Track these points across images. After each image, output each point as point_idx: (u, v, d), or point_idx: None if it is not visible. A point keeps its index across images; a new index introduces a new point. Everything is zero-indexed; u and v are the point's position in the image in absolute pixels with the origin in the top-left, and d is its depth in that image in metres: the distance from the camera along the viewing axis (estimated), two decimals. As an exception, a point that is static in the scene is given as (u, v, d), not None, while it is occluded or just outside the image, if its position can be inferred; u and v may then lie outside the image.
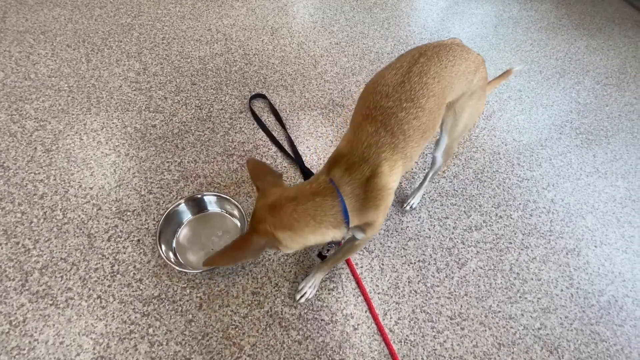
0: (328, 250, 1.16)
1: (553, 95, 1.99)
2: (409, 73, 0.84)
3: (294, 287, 1.14)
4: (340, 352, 1.04)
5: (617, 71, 2.22)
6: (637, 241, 1.43)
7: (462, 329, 1.13)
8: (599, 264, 1.34)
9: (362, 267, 1.21)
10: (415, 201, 1.37)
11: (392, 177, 0.81)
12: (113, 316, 1.02)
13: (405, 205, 1.37)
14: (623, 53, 2.37)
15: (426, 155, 1.57)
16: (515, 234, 1.38)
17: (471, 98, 1.00)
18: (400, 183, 1.46)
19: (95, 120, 1.47)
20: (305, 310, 1.10)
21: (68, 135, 1.41)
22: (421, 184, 1.36)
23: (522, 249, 1.34)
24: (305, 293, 1.10)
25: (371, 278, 1.19)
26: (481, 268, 1.27)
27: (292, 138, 1.52)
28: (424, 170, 1.51)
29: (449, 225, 1.36)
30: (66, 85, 1.58)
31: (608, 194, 1.57)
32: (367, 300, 1.13)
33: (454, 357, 1.07)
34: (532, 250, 1.34)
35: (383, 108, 0.82)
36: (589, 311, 1.22)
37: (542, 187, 1.55)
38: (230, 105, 1.61)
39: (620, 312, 1.23)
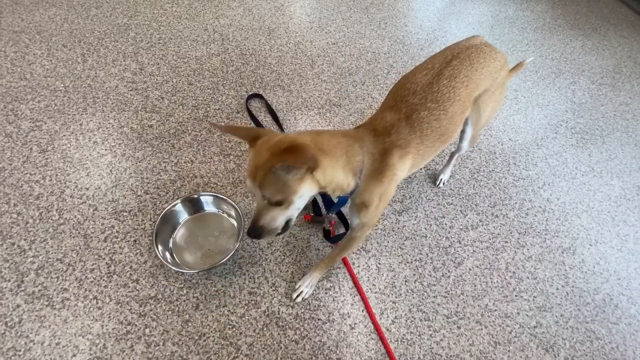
0: (328, 227, 1.18)
1: (549, 94, 2.00)
2: (439, 76, 0.88)
3: (291, 286, 1.14)
4: (337, 352, 1.04)
5: (612, 71, 2.23)
6: (631, 240, 1.44)
7: (459, 327, 1.13)
8: (594, 263, 1.35)
9: (359, 266, 1.21)
10: (445, 177, 1.47)
11: (400, 164, 0.84)
12: (109, 317, 1.02)
13: (438, 183, 1.46)
14: (618, 53, 2.38)
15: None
16: (511, 233, 1.38)
17: (494, 93, 1.05)
18: (427, 164, 1.49)
19: (91, 121, 1.47)
20: (302, 310, 1.10)
21: (64, 135, 1.41)
22: (448, 162, 1.45)
23: (518, 248, 1.34)
24: (302, 292, 1.10)
25: (368, 277, 1.19)
26: (477, 267, 1.27)
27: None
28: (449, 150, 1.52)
29: (446, 224, 1.37)
30: (62, 85, 1.57)
31: (603, 193, 1.58)
32: (364, 300, 1.13)
33: (451, 356, 1.07)
34: (527, 249, 1.35)
35: (409, 103, 0.86)
36: (584, 309, 1.23)
37: (538, 186, 1.56)
38: (227, 105, 1.61)
39: (615, 310, 1.24)
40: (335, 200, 0.90)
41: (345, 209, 1.29)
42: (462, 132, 1.19)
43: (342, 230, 1.27)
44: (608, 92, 2.09)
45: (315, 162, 0.70)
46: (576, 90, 2.06)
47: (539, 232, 1.40)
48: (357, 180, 0.82)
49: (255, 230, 0.78)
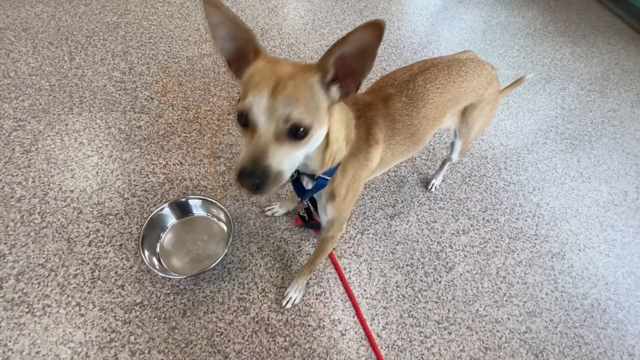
0: (304, 213, 1.07)
1: (539, 100, 2.02)
2: (416, 76, 0.89)
3: (280, 292, 1.12)
4: (328, 359, 1.02)
5: (601, 78, 2.27)
6: (619, 245, 1.45)
7: (450, 333, 1.13)
8: (583, 268, 1.36)
9: (350, 271, 1.20)
10: (437, 182, 1.47)
11: (372, 151, 0.82)
12: (93, 324, 0.99)
13: (430, 187, 1.47)
14: (606, 60, 2.43)
15: (436, 147, 1.57)
16: (501, 237, 1.39)
17: (483, 109, 1.05)
18: (419, 169, 1.47)
19: (77, 121, 1.43)
20: (292, 316, 1.08)
21: (48, 135, 1.37)
22: (440, 167, 1.45)
23: (508, 253, 1.35)
24: (290, 298, 1.09)
25: (359, 282, 1.18)
26: (468, 272, 1.27)
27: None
28: (441, 148, 1.51)
29: (437, 229, 1.37)
30: (47, 84, 1.53)
31: (591, 198, 1.60)
32: (355, 305, 1.12)
33: (441, 362, 1.07)
34: (518, 254, 1.35)
35: (386, 92, 0.87)
36: (573, 314, 1.24)
37: (528, 191, 1.57)
38: (218, 106, 1.59)
39: (603, 315, 1.25)
40: (308, 187, 0.84)
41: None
42: (452, 144, 1.21)
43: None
44: (596, 98, 2.13)
45: (357, 87, 0.60)
46: (566, 97, 2.09)
47: (529, 237, 1.41)
48: (346, 148, 0.77)
49: (258, 174, 0.54)
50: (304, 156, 0.63)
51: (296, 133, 0.56)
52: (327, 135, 0.66)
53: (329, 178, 0.77)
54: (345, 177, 0.80)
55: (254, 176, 0.53)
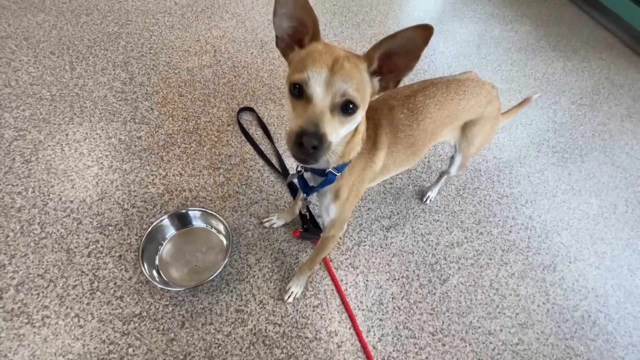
0: (306, 211, 1.20)
1: (531, 114, 2.07)
2: (417, 92, 0.95)
3: (278, 304, 1.14)
4: (324, 370, 1.04)
5: (591, 92, 2.34)
6: (608, 257, 1.49)
7: (444, 345, 1.15)
8: (573, 280, 1.39)
9: (346, 283, 1.22)
10: (432, 195, 1.50)
11: (378, 154, 0.87)
12: (91, 335, 1.00)
13: (425, 199, 1.49)
14: (597, 74, 2.49)
15: (435, 156, 1.61)
16: (495, 250, 1.42)
17: (484, 125, 1.10)
18: (415, 181, 1.49)
19: (78, 131, 1.45)
20: (290, 328, 1.10)
21: (49, 145, 1.38)
22: (437, 180, 1.48)
23: (501, 265, 1.38)
24: (292, 292, 1.13)
25: (355, 294, 1.20)
26: (462, 284, 1.30)
27: (280, 152, 1.53)
28: (436, 160, 1.55)
29: (432, 241, 1.39)
30: (48, 93, 1.55)
31: (582, 211, 1.64)
32: (351, 317, 1.14)
33: (435, 374, 1.09)
34: (510, 266, 1.38)
35: (389, 103, 0.92)
36: (564, 326, 1.26)
37: (521, 204, 1.61)
38: (217, 117, 1.61)
39: (593, 327, 1.28)
40: (314, 183, 0.88)
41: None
42: (452, 158, 1.25)
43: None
44: (587, 112, 2.18)
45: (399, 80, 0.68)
46: (557, 110, 2.14)
47: (521, 250, 1.44)
48: (360, 146, 0.81)
49: (316, 137, 0.57)
50: (344, 135, 0.68)
51: (347, 108, 0.62)
52: (358, 124, 0.71)
53: (337, 174, 0.80)
54: (351, 177, 0.85)
55: (315, 137, 0.57)
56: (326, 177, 0.80)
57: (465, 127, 1.10)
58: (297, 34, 0.68)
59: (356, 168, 0.85)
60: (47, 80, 1.60)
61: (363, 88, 0.64)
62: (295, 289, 1.14)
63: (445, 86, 0.98)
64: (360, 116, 0.67)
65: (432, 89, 0.96)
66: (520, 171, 1.74)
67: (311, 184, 0.88)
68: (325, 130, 0.59)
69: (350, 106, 0.61)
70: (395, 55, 0.63)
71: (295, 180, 0.99)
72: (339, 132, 0.64)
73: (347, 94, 0.60)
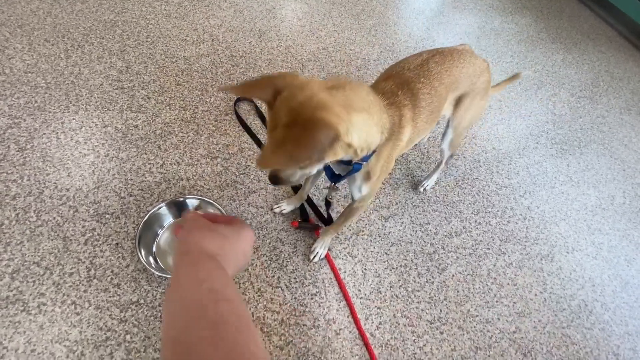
0: (332, 198, 1.15)
1: (531, 106, 2.07)
2: (428, 60, 0.97)
3: (276, 292, 1.13)
4: (322, 357, 1.04)
5: (591, 84, 2.33)
6: (605, 248, 1.50)
7: (441, 333, 1.15)
8: (571, 270, 1.40)
9: (345, 271, 1.22)
10: (429, 184, 1.49)
11: (407, 129, 0.87)
12: (88, 323, 0.99)
13: (420, 187, 1.49)
14: (596, 67, 2.49)
15: (432, 146, 1.60)
16: (493, 240, 1.42)
17: (474, 98, 1.12)
18: (414, 171, 1.49)
19: (73, 119, 1.43)
20: (288, 316, 1.10)
21: (44, 133, 1.36)
22: (435, 169, 1.47)
23: (499, 255, 1.38)
24: (318, 253, 1.19)
25: (354, 283, 1.20)
26: (460, 273, 1.30)
27: (278, 142, 1.52)
28: (435, 152, 1.54)
29: (430, 230, 1.39)
30: (43, 81, 1.52)
31: (580, 202, 1.64)
32: (350, 305, 1.14)
33: (433, 361, 1.09)
34: (508, 256, 1.38)
35: (405, 76, 0.93)
36: (561, 315, 1.27)
37: (519, 194, 1.61)
38: (215, 107, 1.60)
39: (590, 316, 1.29)
40: (340, 172, 0.87)
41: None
42: (444, 134, 1.25)
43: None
44: (586, 104, 2.18)
45: (337, 135, 0.58)
46: (557, 102, 2.14)
47: (519, 240, 1.44)
48: (382, 138, 0.75)
49: (273, 178, 0.74)
50: (317, 169, 0.73)
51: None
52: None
53: (364, 163, 0.80)
54: (380, 160, 0.86)
55: (272, 180, 0.76)
56: (352, 167, 0.79)
57: (459, 100, 1.12)
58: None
59: (384, 151, 0.84)
60: (42, 68, 1.57)
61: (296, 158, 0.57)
62: (321, 249, 1.20)
63: (449, 54, 1.00)
64: (354, 137, 0.62)
65: (440, 57, 0.98)
66: (519, 162, 1.74)
67: (337, 172, 0.89)
68: (282, 176, 0.72)
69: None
70: None
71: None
72: (304, 174, 0.73)
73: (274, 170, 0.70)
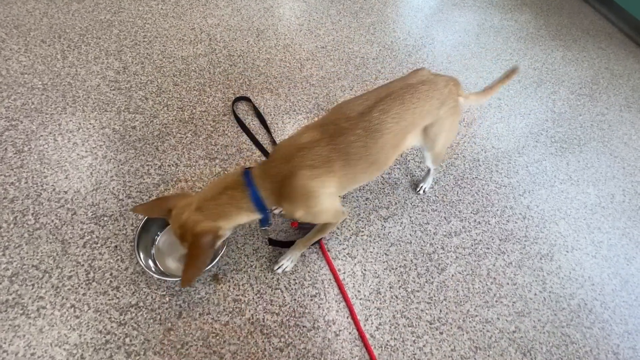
0: (269, 234, 1.25)
1: (530, 104, 2.06)
2: (372, 108, 0.93)
3: (276, 293, 1.13)
4: (322, 359, 1.04)
5: (590, 82, 2.32)
6: (605, 246, 1.50)
7: (441, 333, 1.15)
8: (570, 269, 1.40)
9: (344, 272, 1.22)
10: (426, 186, 1.48)
11: (315, 183, 0.89)
12: (88, 326, 0.99)
13: (418, 190, 1.48)
14: (596, 64, 2.48)
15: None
16: (492, 239, 1.42)
17: (442, 124, 1.09)
18: (413, 171, 1.51)
19: (70, 121, 1.42)
20: (287, 317, 1.10)
21: (41, 135, 1.36)
22: (427, 174, 1.48)
23: (499, 254, 1.38)
24: (283, 265, 1.15)
25: (353, 284, 1.20)
26: (460, 273, 1.30)
27: (277, 142, 1.51)
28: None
29: (430, 230, 1.39)
30: (40, 82, 1.51)
31: (579, 201, 1.64)
32: (349, 306, 1.14)
33: (433, 362, 1.09)
34: (508, 256, 1.38)
35: (339, 126, 0.91)
36: (561, 314, 1.27)
37: (519, 193, 1.60)
38: (213, 107, 1.59)
39: (589, 315, 1.29)
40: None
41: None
42: (424, 156, 1.27)
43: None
44: (586, 102, 2.17)
45: (215, 235, 0.86)
46: (556, 100, 2.13)
47: (519, 239, 1.44)
48: (258, 211, 0.91)
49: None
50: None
51: None
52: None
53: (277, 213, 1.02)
54: (300, 207, 0.93)
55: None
56: (260, 221, 0.98)
57: (426, 129, 1.09)
58: None
59: (298, 203, 0.91)
60: (38, 69, 1.56)
61: None
62: (287, 262, 1.16)
63: (400, 97, 0.97)
64: (226, 230, 0.92)
65: (387, 103, 0.95)
66: (519, 161, 1.74)
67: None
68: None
69: None
70: None
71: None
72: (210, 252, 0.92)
73: None
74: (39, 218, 1.16)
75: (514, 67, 1.29)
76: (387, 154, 0.98)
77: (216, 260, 1.08)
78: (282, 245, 1.21)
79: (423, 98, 0.99)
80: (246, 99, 1.65)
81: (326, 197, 0.93)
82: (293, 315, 1.10)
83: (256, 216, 0.93)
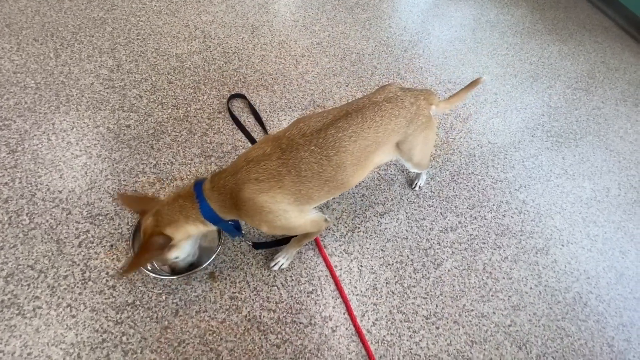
0: (248, 242, 1.20)
1: (526, 98, 2.06)
2: (329, 125, 0.92)
3: (272, 290, 1.14)
4: (319, 355, 1.05)
5: (587, 76, 2.32)
6: (600, 240, 1.50)
7: (437, 328, 1.16)
8: (566, 262, 1.41)
9: (341, 269, 1.22)
10: (420, 182, 1.49)
11: (263, 198, 0.88)
12: (84, 325, 0.99)
13: (414, 186, 1.49)
14: (592, 58, 2.47)
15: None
16: (488, 234, 1.42)
17: (414, 139, 1.07)
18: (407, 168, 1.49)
19: (64, 120, 1.41)
20: (284, 314, 1.10)
21: (35, 135, 1.35)
22: (418, 173, 1.47)
23: (494, 249, 1.39)
24: (279, 262, 1.16)
25: (350, 280, 1.20)
26: (456, 268, 1.30)
27: (272, 139, 1.51)
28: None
29: (426, 226, 1.40)
30: (33, 81, 1.50)
31: (575, 195, 1.64)
32: (346, 302, 1.15)
33: (429, 356, 1.10)
34: (504, 250, 1.39)
35: (293, 141, 0.90)
36: (556, 308, 1.28)
37: (515, 188, 1.61)
38: (208, 105, 1.58)
39: (585, 308, 1.30)
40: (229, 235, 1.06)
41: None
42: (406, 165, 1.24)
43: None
44: (582, 96, 2.17)
45: (165, 244, 0.89)
46: (552, 94, 2.13)
47: (514, 234, 1.45)
48: (209, 223, 0.93)
49: (172, 271, 1.06)
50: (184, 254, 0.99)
51: None
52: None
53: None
54: (255, 219, 0.93)
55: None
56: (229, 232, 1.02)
57: (398, 145, 1.07)
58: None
59: (252, 215, 0.91)
60: (31, 68, 1.55)
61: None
62: (283, 260, 1.17)
63: (361, 115, 0.94)
64: (177, 238, 0.93)
65: (344, 121, 0.92)
66: (515, 156, 1.74)
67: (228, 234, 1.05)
68: (169, 264, 1.03)
69: None
70: None
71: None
72: (181, 263, 1.02)
73: None
74: (33, 218, 1.15)
75: (478, 78, 1.21)
76: (345, 173, 0.94)
77: (212, 258, 1.08)
78: (268, 247, 1.20)
79: (387, 116, 0.96)
80: (241, 96, 1.64)
81: (284, 212, 0.91)
82: (290, 311, 1.11)
83: (210, 227, 0.94)
